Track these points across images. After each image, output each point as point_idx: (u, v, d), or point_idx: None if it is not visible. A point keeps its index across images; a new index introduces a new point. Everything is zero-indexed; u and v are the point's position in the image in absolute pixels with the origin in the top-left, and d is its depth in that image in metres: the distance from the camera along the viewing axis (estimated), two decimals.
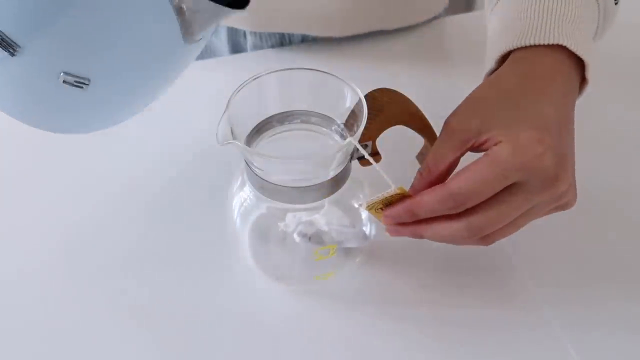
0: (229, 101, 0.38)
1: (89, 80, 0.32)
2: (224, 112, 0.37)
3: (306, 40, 0.66)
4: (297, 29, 0.64)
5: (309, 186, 0.39)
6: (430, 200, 0.37)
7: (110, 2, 0.30)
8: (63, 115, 0.37)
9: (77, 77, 0.31)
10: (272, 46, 0.66)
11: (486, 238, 0.38)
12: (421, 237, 0.39)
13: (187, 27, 0.33)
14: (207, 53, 0.70)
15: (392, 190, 0.37)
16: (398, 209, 0.38)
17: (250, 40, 0.66)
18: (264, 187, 0.40)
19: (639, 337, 0.43)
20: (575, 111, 0.43)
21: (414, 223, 0.39)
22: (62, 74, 0.31)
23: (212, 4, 0.33)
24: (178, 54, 0.36)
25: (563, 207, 0.39)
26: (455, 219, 0.37)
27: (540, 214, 0.39)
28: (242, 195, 0.43)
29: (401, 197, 0.38)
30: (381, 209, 0.39)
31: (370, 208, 0.39)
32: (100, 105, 0.36)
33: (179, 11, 0.32)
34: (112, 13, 0.30)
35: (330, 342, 0.43)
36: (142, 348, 0.43)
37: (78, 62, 0.32)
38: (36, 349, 0.43)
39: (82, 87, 0.32)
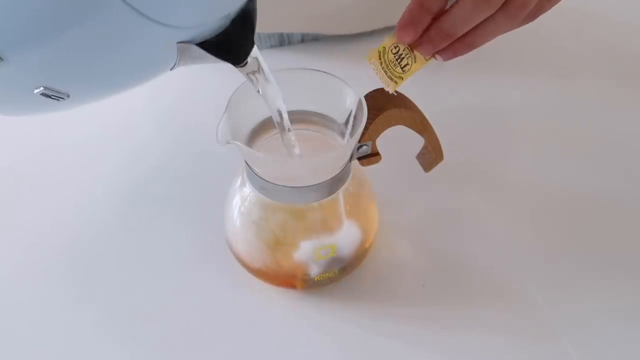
0: (229, 101, 0.38)
1: (68, 95, 0.31)
2: (224, 112, 0.37)
3: (306, 40, 0.66)
4: (298, 28, 0.64)
5: (309, 186, 0.40)
6: None
7: (114, 35, 0.28)
8: (23, 109, 0.35)
9: (57, 92, 0.30)
10: (272, 46, 0.66)
11: (516, 5, 0.35)
12: (444, 33, 0.36)
13: (180, 63, 0.33)
14: None
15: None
16: (406, 9, 0.36)
17: None
18: (264, 187, 0.40)
19: (639, 337, 0.43)
20: (574, 112, 0.42)
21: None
22: (42, 88, 0.29)
23: (210, 55, 0.32)
24: (159, 75, 0.35)
25: None
26: None
27: None
28: (242, 195, 0.43)
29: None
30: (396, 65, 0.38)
31: (382, 64, 0.38)
32: (68, 108, 0.35)
33: (180, 51, 0.31)
34: (113, 44, 0.29)
35: (331, 343, 0.43)
36: (141, 348, 0.43)
37: (63, 82, 0.30)
38: (34, 349, 0.43)
39: (58, 100, 0.31)
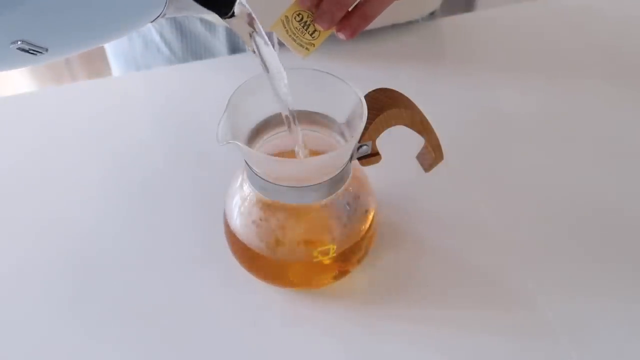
0: (229, 101, 0.38)
1: (46, 49, 0.29)
2: (224, 112, 0.37)
3: None
4: None
5: (309, 186, 0.40)
6: None
7: None
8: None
9: (35, 46, 0.28)
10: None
11: None
12: (337, 2, 0.38)
13: (166, 13, 0.31)
14: (206, 53, 0.70)
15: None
16: None
17: None
18: (264, 187, 0.40)
19: (639, 337, 0.43)
20: (574, 112, 0.43)
21: None
22: (19, 42, 0.28)
23: (199, 6, 0.32)
24: (142, 25, 0.34)
25: None
26: None
27: None
28: (242, 195, 0.43)
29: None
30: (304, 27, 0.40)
31: (287, 31, 0.40)
32: (45, 62, 0.32)
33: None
34: None
35: (331, 343, 0.43)
36: (141, 348, 0.43)
37: (42, 34, 0.28)
38: (33, 348, 0.43)
39: (36, 54, 0.29)
